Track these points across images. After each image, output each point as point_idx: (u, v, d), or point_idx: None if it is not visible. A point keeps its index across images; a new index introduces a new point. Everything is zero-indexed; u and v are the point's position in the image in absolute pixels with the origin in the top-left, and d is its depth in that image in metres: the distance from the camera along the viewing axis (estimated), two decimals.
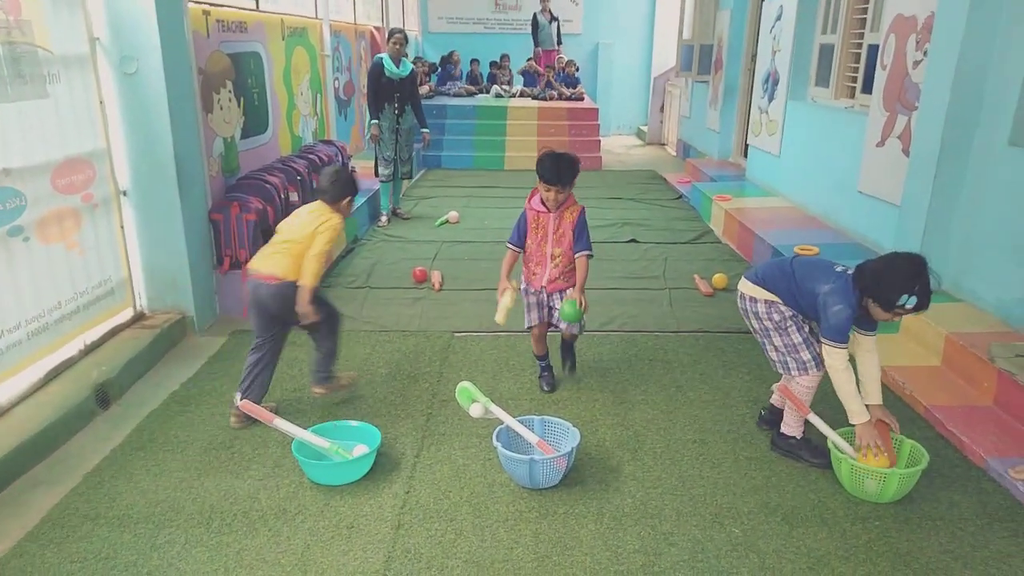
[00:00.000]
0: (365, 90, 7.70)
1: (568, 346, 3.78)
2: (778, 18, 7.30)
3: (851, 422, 2.87)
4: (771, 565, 2.50)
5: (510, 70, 12.72)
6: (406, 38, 6.90)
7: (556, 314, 3.52)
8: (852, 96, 6.18)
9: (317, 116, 7.28)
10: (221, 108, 4.98)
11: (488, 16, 14.61)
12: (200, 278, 4.40)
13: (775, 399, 3.34)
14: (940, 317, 3.96)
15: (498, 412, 3.03)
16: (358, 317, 4.64)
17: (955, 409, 3.42)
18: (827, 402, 3.22)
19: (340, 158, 6.80)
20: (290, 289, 3.17)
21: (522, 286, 3.59)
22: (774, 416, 3.28)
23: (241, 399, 3.24)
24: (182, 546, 2.56)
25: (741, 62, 9.08)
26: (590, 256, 3.47)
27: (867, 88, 5.75)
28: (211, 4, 4.94)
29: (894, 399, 3.62)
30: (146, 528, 2.65)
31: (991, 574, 2.47)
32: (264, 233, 4.70)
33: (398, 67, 6.74)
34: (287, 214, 5.09)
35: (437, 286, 5.25)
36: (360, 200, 6.34)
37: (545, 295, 3.53)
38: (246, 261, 4.58)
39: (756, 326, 3.12)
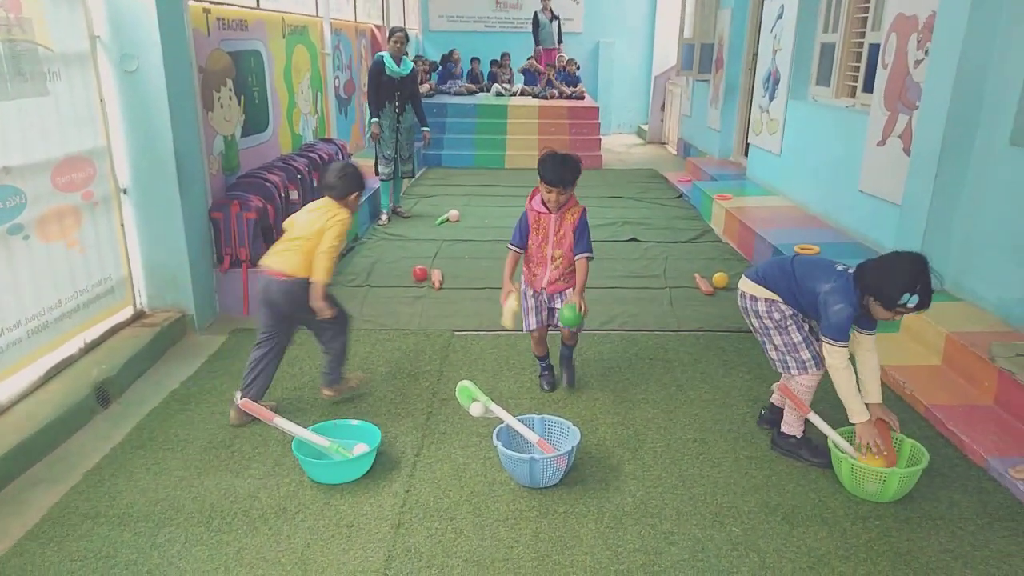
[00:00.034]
0: (365, 88, 7.70)
1: (568, 358, 3.71)
2: (779, 17, 7.29)
3: (851, 421, 2.87)
4: (771, 564, 2.50)
5: (511, 69, 12.72)
6: (407, 37, 6.89)
7: (556, 315, 3.51)
8: (853, 95, 6.18)
9: (317, 114, 7.27)
10: (221, 106, 4.97)
11: (489, 14, 14.60)
12: (200, 276, 4.40)
13: (775, 398, 3.34)
14: (941, 316, 3.96)
15: (498, 411, 3.03)
16: (358, 316, 4.64)
17: (955, 408, 3.42)
18: (827, 401, 3.22)
19: (340, 156, 6.79)
20: (299, 286, 3.19)
21: (522, 287, 3.57)
22: (774, 415, 3.28)
23: (242, 397, 3.25)
24: (182, 545, 2.56)
25: (742, 61, 9.08)
26: (590, 258, 3.44)
27: (868, 87, 5.75)
28: (211, 2, 4.94)
29: (894, 398, 3.62)
30: (146, 527, 2.65)
31: (991, 573, 2.47)
32: (264, 231, 4.71)
33: (399, 66, 6.74)
34: (287, 212, 5.11)
35: (437, 285, 5.24)
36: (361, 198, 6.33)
37: (545, 296, 3.52)
38: (246, 259, 4.59)
39: (756, 325, 3.12)
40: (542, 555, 2.53)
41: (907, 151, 4.86)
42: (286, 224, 3.36)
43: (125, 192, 4.11)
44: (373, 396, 3.63)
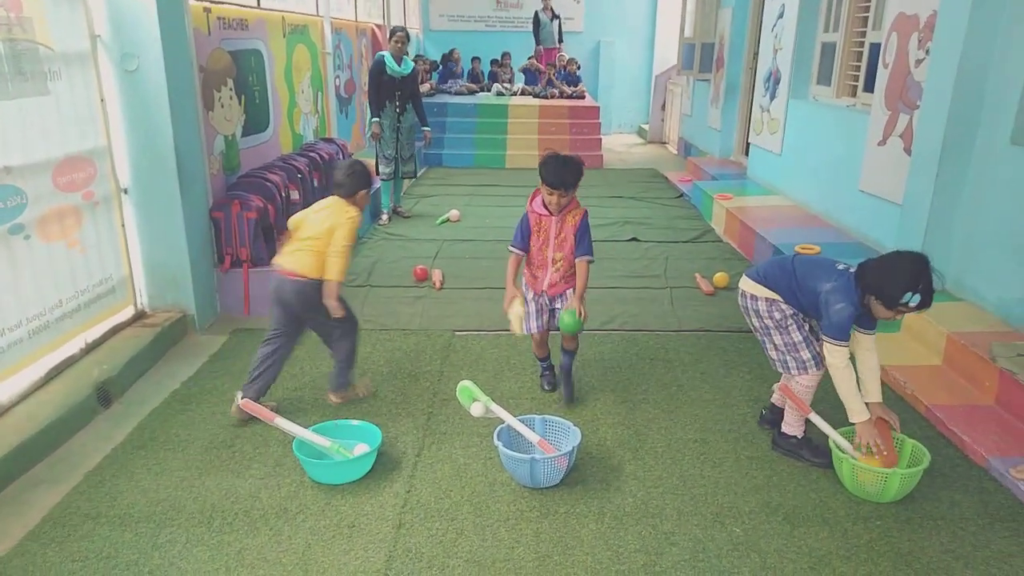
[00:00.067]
0: (366, 88, 7.69)
1: (567, 370, 3.58)
2: (780, 16, 7.29)
3: (851, 420, 2.87)
4: (772, 565, 2.50)
5: (511, 68, 12.71)
6: (408, 36, 6.89)
7: (557, 316, 3.48)
8: (854, 95, 6.17)
9: (318, 114, 7.27)
10: (222, 106, 4.97)
11: (489, 14, 14.60)
12: (201, 276, 4.40)
13: (776, 398, 3.34)
14: (941, 316, 3.96)
15: (499, 411, 3.02)
16: (359, 316, 4.62)
17: (956, 408, 3.41)
18: (828, 401, 3.22)
19: (341, 156, 6.79)
20: (311, 286, 3.22)
21: (523, 289, 3.53)
22: (775, 415, 3.28)
23: (244, 392, 3.26)
24: (183, 545, 2.56)
25: (743, 60, 9.07)
26: (591, 261, 3.38)
27: (869, 87, 5.75)
28: (212, 1, 4.93)
29: (895, 398, 3.62)
30: (147, 527, 2.65)
31: (992, 574, 2.47)
32: (265, 231, 4.70)
33: (400, 65, 6.74)
34: (288, 212, 5.13)
35: (438, 285, 5.24)
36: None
37: (546, 298, 3.48)
38: (247, 259, 4.59)
39: (757, 324, 3.12)
40: (543, 555, 2.53)
41: (908, 150, 4.86)
42: (292, 223, 3.37)
43: (126, 192, 4.11)
44: (374, 396, 3.63)
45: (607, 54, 14.70)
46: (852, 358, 2.91)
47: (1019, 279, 3.88)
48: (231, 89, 5.11)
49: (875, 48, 5.63)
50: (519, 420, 3.03)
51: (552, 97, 11.37)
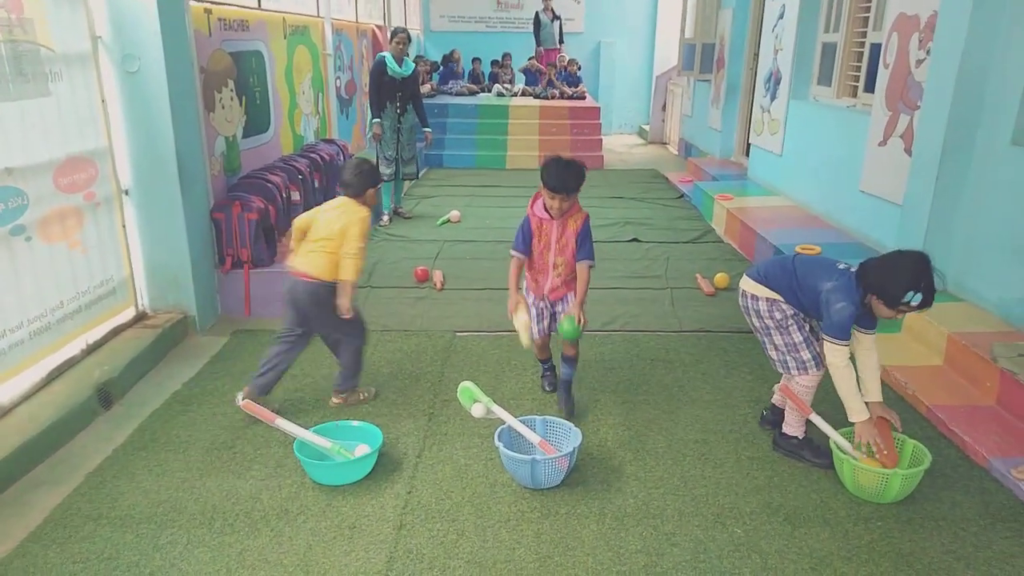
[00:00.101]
0: (367, 89, 7.70)
1: (567, 383, 3.49)
2: (780, 17, 7.29)
3: (850, 419, 2.87)
4: (774, 565, 2.49)
5: (512, 69, 12.72)
6: (409, 37, 6.89)
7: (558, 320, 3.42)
8: (854, 95, 6.17)
9: (319, 115, 7.27)
10: (223, 107, 4.97)
11: (490, 15, 14.60)
12: (202, 277, 4.40)
13: (776, 399, 3.34)
14: (942, 317, 3.95)
15: (500, 412, 3.02)
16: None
17: (957, 409, 3.41)
18: (829, 402, 3.22)
19: (342, 157, 6.80)
20: (324, 288, 3.25)
21: (525, 293, 3.48)
22: (776, 416, 3.28)
23: (251, 387, 3.30)
24: (184, 546, 2.56)
25: (743, 61, 9.07)
26: (592, 266, 3.32)
27: (869, 87, 5.75)
28: (213, 2, 4.94)
29: (896, 399, 3.62)
30: (148, 528, 2.65)
31: (994, 574, 2.47)
32: (266, 232, 4.71)
33: (400, 66, 6.74)
34: (289, 213, 5.14)
35: (439, 285, 5.24)
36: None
37: (548, 303, 3.44)
38: (248, 260, 4.59)
39: (757, 324, 3.12)
40: (544, 556, 2.53)
41: (908, 151, 4.86)
42: (300, 223, 3.39)
43: (127, 193, 4.11)
44: (375, 397, 3.63)
45: (607, 55, 14.71)
46: (852, 358, 2.91)
47: (1020, 279, 3.88)
48: (232, 90, 5.12)
49: (876, 48, 5.62)
50: (520, 421, 3.03)
51: (553, 98, 11.38)
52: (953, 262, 4.35)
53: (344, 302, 3.26)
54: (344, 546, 2.57)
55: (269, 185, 5.00)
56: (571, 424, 3.09)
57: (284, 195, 5.17)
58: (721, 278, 5.27)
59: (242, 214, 4.55)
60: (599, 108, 11.21)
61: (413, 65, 6.95)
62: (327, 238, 3.26)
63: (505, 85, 12.15)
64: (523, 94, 11.80)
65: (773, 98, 7.49)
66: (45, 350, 3.49)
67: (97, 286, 3.89)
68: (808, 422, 3.05)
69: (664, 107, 13.54)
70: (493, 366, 3.99)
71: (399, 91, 6.81)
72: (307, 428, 3.05)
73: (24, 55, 3.30)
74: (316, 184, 5.96)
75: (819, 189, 6.44)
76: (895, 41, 5.13)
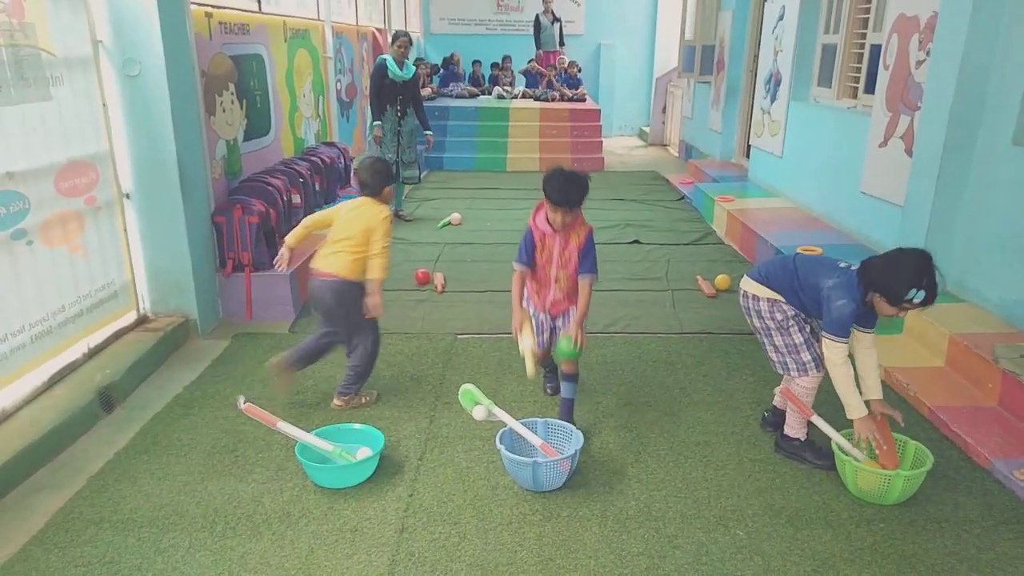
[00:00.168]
0: (367, 92, 7.70)
1: (567, 407, 3.36)
2: (780, 18, 7.29)
3: (848, 417, 2.87)
4: (776, 567, 2.49)
5: (512, 71, 12.73)
6: (411, 41, 6.90)
7: (558, 335, 3.36)
8: (855, 96, 6.17)
9: (319, 118, 7.28)
10: (223, 110, 4.98)
11: (490, 17, 14.62)
12: (203, 281, 4.41)
13: (777, 400, 3.34)
14: (944, 318, 3.95)
15: (501, 415, 3.02)
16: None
17: (959, 410, 3.41)
18: (831, 403, 3.21)
19: (343, 160, 6.80)
20: (347, 286, 3.32)
21: (527, 306, 3.40)
22: (777, 418, 3.28)
23: (275, 365, 3.40)
24: (186, 550, 2.56)
25: (743, 62, 9.07)
26: (594, 281, 3.22)
27: (870, 88, 5.75)
28: (213, 6, 4.94)
29: (898, 400, 3.62)
30: (150, 532, 2.65)
31: None
32: (267, 235, 4.71)
33: (401, 70, 6.75)
34: (290, 216, 5.14)
35: (440, 288, 5.25)
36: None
37: (548, 317, 3.38)
38: (249, 263, 4.59)
39: (758, 325, 3.12)
40: (546, 559, 2.53)
41: (909, 152, 4.86)
42: (313, 219, 3.47)
43: (128, 197, 4.12)
44: (376, 400, 3.63)
45: (608, 57, 14.71)
46: (851, 357, 2.91)
47: (1021, 280, 3.88)
48: (233, 94, 5.12)
49: (876, 49, 5.63)
50: (521, 423, 3.03)
51: (553, 100, 11.38)
52: (954, 263, 4.34)
53: (374, 300, 3.34)
54: (346, 549, 2.57)
55: (270, 188, 5.00)
56: (572, 426, 3.09)
57: (285, 198, 5.17)
58: (722, 280, 5.27)
59: (243, 217, 4.55)
60: (599, 110, 11.21)
61: (414, 68, 6.96)
62: (348, 237, 3.33)
63: (505, 87, 12.16)
64: (523, 96, 11.81)
65: (773, 100, 7.49)
66: (47, 354, 3.49)
67: (98, 290, 3.89)
68: (810, 424, 3.04)
69: (664, 109, 13.55)
70: (494, 368, 3.98)
71: (400, 94, 6.82)
72: (309, 431, 3.04)
73: (25, 59, 3.31)
74: (317, 187, 5.96)
75: (820, 190, 6.44)
76: (895, 42, 5.13)
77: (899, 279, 2.69)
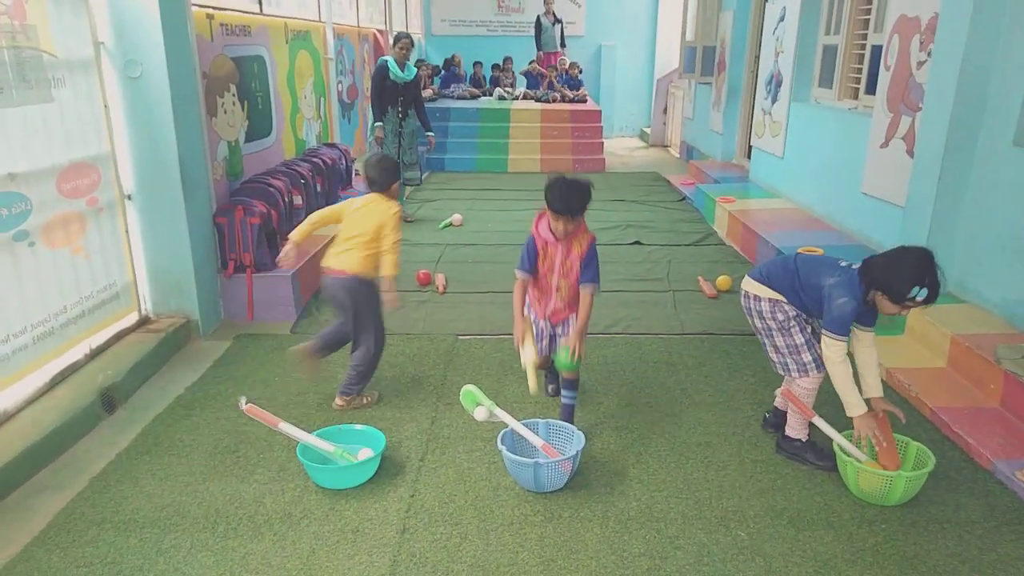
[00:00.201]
0: (368, 93, 7.71)
1: (568, 415, 3.32)
2: (781, 19, 7.30)
3: (848, 414, 2.87)
4: (777, 569, 2.49)
5: (513, 72, 12.73)
6: (412, 43, 6.91)
7: (558, 343, 3.33)
8: (856, 97, 6.17)
9: (321, 119, 7.29)
10: (225, 112, 4.99)
11: (491, 18, 14.63)
12: (205, 282, 4.41)
13: (778, 401, 3.34)
14: (945, 318, 3.95)
15: (503, 415, 3.02)
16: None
17: (961, 411, 3.41)
18: (832, 404, 3.21)
19: (344, 161, 6.81)
20: (358, 281, 3.36)
21: (528, 313, 3.37)
22: (778, 419, 3.28)
23: (300, 351, 3.48)
24: (188, 551, 2.56)
25: (744, 63, 9.08)
26: (595, 291, 3.16)
27: (871, 89, 5.75)
28: (215, 8, 4.95)
29: (899, 401, 3.61)
30: (152, 532, 2.65)
31: None
32: (268, 236, 4.71)
33: (403, 71, 6.76)
34: (291, 218, 5.15)
35: (441, 289, 5.25)
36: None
37: (549, 324, 3.34)
38: (250, 265, 4.60)
39: (759, 325, 3.11)
40: (547, 560, 2.53)
41: (910, 153, 4.86)
42: (321, 218, 3.50)
43: (129, 198, 4.12)
44: (377, 401, 3.63)
45: (608, 58, 14.72)
46: (851, 356, 2.91)
47: (1022, 280, 3.88)
48: (234, 95, 5.13)
49: (877, 50, 5.63)
50: (523, 424, 3.03)
51: (554, 101, 11.39)
52: (955, 263, 4.34)
53: (389, 295, 3.38)
54: (347, 550, 2.57)
55: (271, 189, 5.01)
56: (574, 427, 3.09)
57: (286, 199, 5.18)
58: (723, 280, 5.26)
59: (245, 218, 4.55)
60: (600, 111, 11.21)
61: (415, 70, 6.97)
62: (360, 235, 3.36)
63: (506, 89, 12.16)
64: (524, 97, 11.81)
65: (774, 100, 7.49)
66: (48, 355, 3.49)
67: (100, 291, 3.89)
68: (811, 425, 3.04)
69: (665, 110, 13.55)
70: (496, 369, 3.99)
71: (401, 95, 6.83)
72: (310, 432, 3.05)
73: (27, 61, 3.31)
74: (318, 188, 5.97)
75: (821, 191, 6.43)
76: (896, 43, 5.13)
77: (901, 277, 2.70)
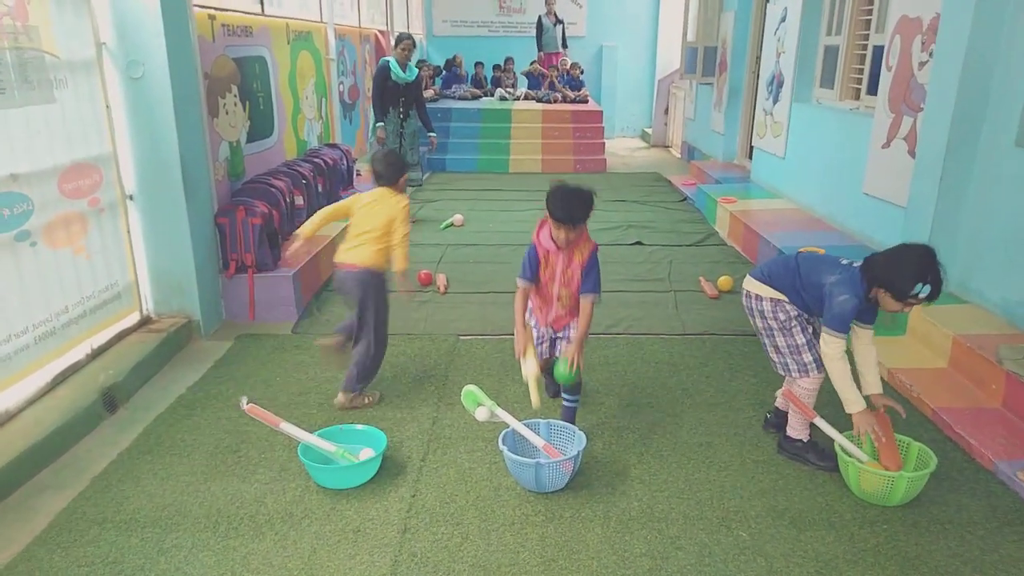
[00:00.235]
0: (370, 93, 7.72)
1: (569, 414, 3.30)
2: (782, 20, 7.29)
3: (847, 411, 2.86)
4: (779, 569, 2.49)
5: (514, 73, 12.74)
6: (414, 44, 6.92)
7: (559, 346, 3.31)
8: (857, 98, 6.17)
9: (322, 120, 7.29)
10: (227, 112, 4.99)
11: (492, 19, 14.64)
12: (206, 282, 4.41)
13: (780, 402, 3.34)
14: (947, 319, 3.95)
15: (504, 415, 3.02)
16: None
17: (963, 411, 3.40)
18: (833, 405, 3.21)
19: (345, 162, 6.82)
20: (370, 274, 3.44)
21: (530, 322, 3.33)
22: (779, 419, 3.28)
23: (327, 341, 3.59)
24: (189, 550, 2.56)
25: (745, 64, 9.07)
26: (596, 300, 3.11)
27: (872, 90, 5.74)
28: (217, 9, 4.96)
29: (901, 401, 3.60)
30: (153, 532, 2.66)
31: None
32: (270, 237, 4.72)
33: (404, 72, 6.76)
34: (293, 218, 5.15)
35: (442, 289, 5.25)
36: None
37: (551, 330, 3.30)
38: (252, 265, 4.60)
39: (760, 325, 3.11)
40: (548, 560, 2.53)
41: (912, 153, 4.85)
42: (330, 213, 3.57)
43: (131, 198, 4.13)
44: (378, 401, 3.63)
45: (610, 58, 14.72)
46: (850, 355, 2.91)
47: None
48: (235, 96, 5.14)
49: (878, 51, 5.62)
50: (524, 424, 3.03)
51: (555, 101, 11.39)
52: (957, 264, 4.34)
53: (404, 288, 3.50)
54: (348, 550, 2.57)
55: (273, 190, 5.01)
56: (575, 427, 3.09)
57: (288, 200, 5.19)
58: (724, 281, 5.26)
59: (246, 219, 4.56)
60: (601, 111, 11.21)
61: (416, 70, 6.98)
62: (371, 230, 3.43)
63: (508, 89, 12.17)
64: (525, 98, 11.81)
65: (776, 101, 7.49)
66: (50, 355, 3.50)
67: (102, 291, 3.90)
68: (812, 425, 3.04)
69: (666, 110, 13.55)
70: (497, 370, 3.99)
71: (402, 96, 6.83)
72: (311, 432, 3.05)
73: (29, 62, 3.32)
74: (320, 188, 5.97)
75: (822, 191, 6.43)
76: (897, 43, 5.13)
77: (904, 274, 2.70)
